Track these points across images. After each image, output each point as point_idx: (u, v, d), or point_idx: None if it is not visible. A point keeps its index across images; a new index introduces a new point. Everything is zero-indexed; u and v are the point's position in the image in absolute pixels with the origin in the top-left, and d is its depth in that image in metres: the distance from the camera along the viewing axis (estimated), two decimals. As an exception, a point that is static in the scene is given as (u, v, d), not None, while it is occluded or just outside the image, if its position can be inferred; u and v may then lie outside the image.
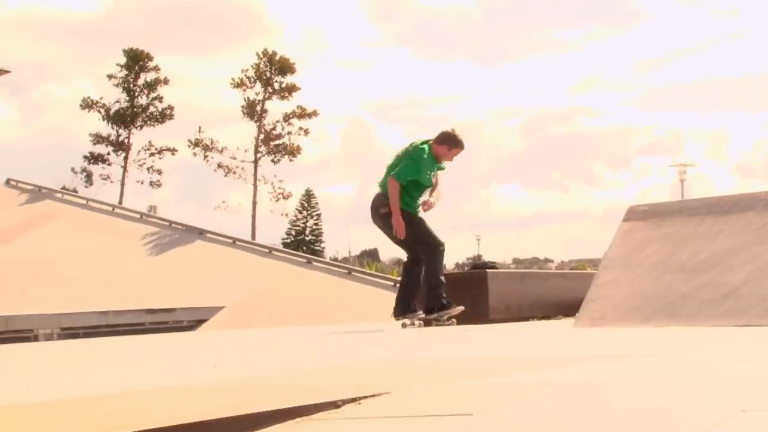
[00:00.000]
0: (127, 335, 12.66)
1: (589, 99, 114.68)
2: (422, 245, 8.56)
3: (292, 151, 46.68)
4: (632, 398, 2.84)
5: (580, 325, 7.10)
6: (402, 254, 9.12)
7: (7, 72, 19.35)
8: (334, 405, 2.81)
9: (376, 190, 8.82)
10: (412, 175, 8.48)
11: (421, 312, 8.58)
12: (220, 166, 45.86)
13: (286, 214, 50.99)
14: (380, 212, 8.59)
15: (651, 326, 6.54)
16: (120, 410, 2.95)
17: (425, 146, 8.62)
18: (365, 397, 2.92)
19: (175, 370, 5.21)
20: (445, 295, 8.51)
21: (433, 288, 8.47)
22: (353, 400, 2.87)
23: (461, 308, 8.53)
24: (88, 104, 47.40)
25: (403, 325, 8.54)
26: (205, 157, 45.81)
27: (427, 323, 8.57)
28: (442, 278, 8.57)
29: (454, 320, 8.57)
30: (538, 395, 3.00)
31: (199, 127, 47.27)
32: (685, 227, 7.39)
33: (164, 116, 47.87)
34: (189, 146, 45.91)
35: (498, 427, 2.50)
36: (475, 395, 3.06)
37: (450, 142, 8.67)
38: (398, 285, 8.83)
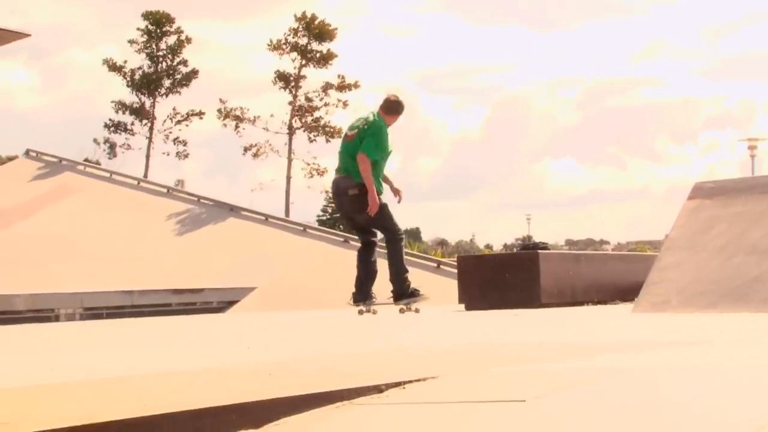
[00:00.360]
0: (152, 316, 12.82)
1: (652, 68, 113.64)
2: (386, 231, 9.22)
3: (332, 133, 46.50)
4: (691, 388, 2.83)
5: (640, 310, 7.06)
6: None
7: (27, 35, 19.49)
8: (377, 389, 2.82)
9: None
10: (379, 151, 9.06)
11: (377, 299, 9.18)
12: (247, 149, 45.72)
13: (326, 191, 50.92)
14: (349, 194, 9.10)
15: (717, 312, 6.49)
16: (146, 392, 2.98)
17: (377, 118, 9.20)
18: (410, 381, 2.92)
19: (206, 352, 5.27)
20: (410, 282, 9.15)
21: (401, 274, 9.11)
22: (397, 384, 2.88)
23: (428, 297, 9.28)
24: (113, 67, 47.55)
25: (360, 312, 8.96)
26: (237, 128, 45.84)
27: (403, 310, 9.01)
28: (406, 265, 9.25)
29: (419, 308, 9.10)
30: (593, 382, 2.99)
31: (219, 99, 47.10)
32: (758, 205, 7.30)
33: (189, 78, 47.91)
34: (218, 117, 45.90)
35: (552, 414, 2.50)
36: (526, 381, 3.06)
37: (396, 109, 9.37)
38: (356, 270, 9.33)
